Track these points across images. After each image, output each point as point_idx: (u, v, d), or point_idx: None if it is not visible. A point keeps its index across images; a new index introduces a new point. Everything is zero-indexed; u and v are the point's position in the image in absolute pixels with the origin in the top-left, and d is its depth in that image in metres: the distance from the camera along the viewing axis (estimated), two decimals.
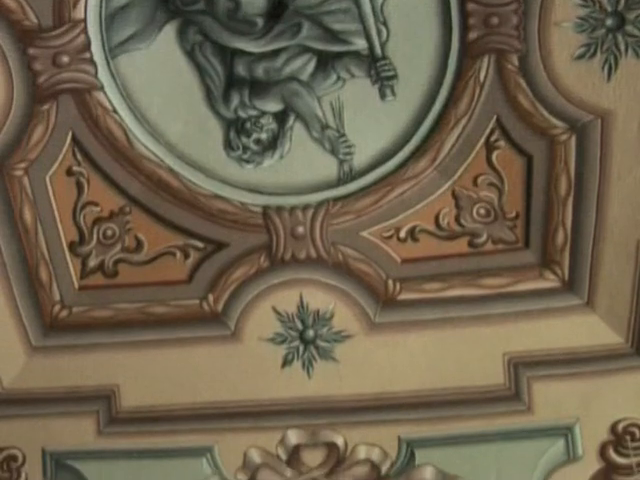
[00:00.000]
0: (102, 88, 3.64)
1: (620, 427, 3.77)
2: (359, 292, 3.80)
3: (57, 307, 3.93)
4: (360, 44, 3.58)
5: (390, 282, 3.79)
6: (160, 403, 3.90)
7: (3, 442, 4.02)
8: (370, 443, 3.85)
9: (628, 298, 3.67)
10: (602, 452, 3.77)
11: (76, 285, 3.93)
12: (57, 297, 3.92)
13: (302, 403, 3.84)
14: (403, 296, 3.79)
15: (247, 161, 3.74)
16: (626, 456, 3.77)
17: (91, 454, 3.97)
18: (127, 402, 3.93)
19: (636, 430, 3.78)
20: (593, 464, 3.78)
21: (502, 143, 3.64)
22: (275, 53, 3.64)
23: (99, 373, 3.94)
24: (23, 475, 4.01)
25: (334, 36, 3.60)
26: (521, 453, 3.79)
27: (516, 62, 3.48)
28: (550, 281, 3.76)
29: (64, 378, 3.96)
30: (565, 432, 3.78)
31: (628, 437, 3.77)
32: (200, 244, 3.84)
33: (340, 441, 3.86)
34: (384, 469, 3.84)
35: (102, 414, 3.94)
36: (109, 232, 3.87)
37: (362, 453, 3.85)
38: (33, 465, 4.00)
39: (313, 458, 3.88)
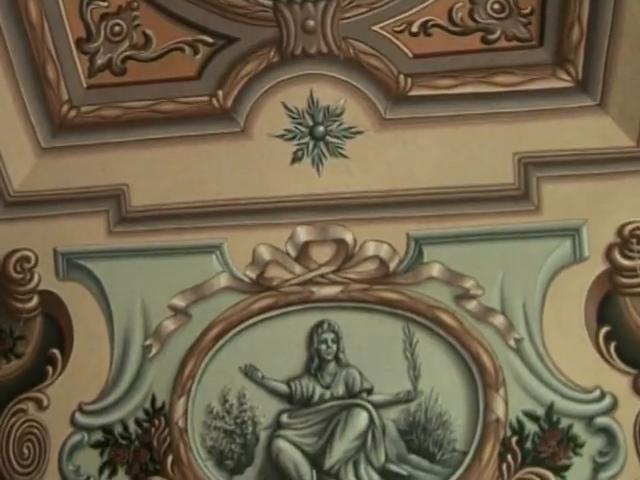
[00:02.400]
0: None
1: (627, 230, 3.78)
2: (370, 87, 3.76)
3: (65, 107, 3.91)
4: None
5: (401, 77, 3.74)
6: (169, 201, 3.92)
7: (15, 244, 4.06)
8: (379, 240, 3.87)
9: None
10: (608, 254, 3.80)
11: (84, 84, 3.89)
12: (65, 96, 3.89)
13: (311, 200, 3.85)
14: (414, 92, 3.75)
15: None
16: (631, 258, 3.79)
17: (102, 253, 4.01)
18: (136, 201, 3.94)
19: None
20: (598, 265, 3.81)
21: None
22: None
23: (108, 173, 3.94)
24: (36, 275, 4.07)
25: None
26: (528, 252, 3.82)
27: None
28: (563, 80, 3.71)
29: (74, 179, 3.97)
30: (572, 233, 3.80)
31: (634, 240, 3.78)
32: (209, 39, 3.77)
33: (349, 237, 3.88)
34: (392, 266, 3.87)
35: (112, 213, 3.97)
36: (117, 28, 3.80)
37: (371, 250, 3.87)
38: (45, 265, 4.06)
39: (322, 254, 3.91)
